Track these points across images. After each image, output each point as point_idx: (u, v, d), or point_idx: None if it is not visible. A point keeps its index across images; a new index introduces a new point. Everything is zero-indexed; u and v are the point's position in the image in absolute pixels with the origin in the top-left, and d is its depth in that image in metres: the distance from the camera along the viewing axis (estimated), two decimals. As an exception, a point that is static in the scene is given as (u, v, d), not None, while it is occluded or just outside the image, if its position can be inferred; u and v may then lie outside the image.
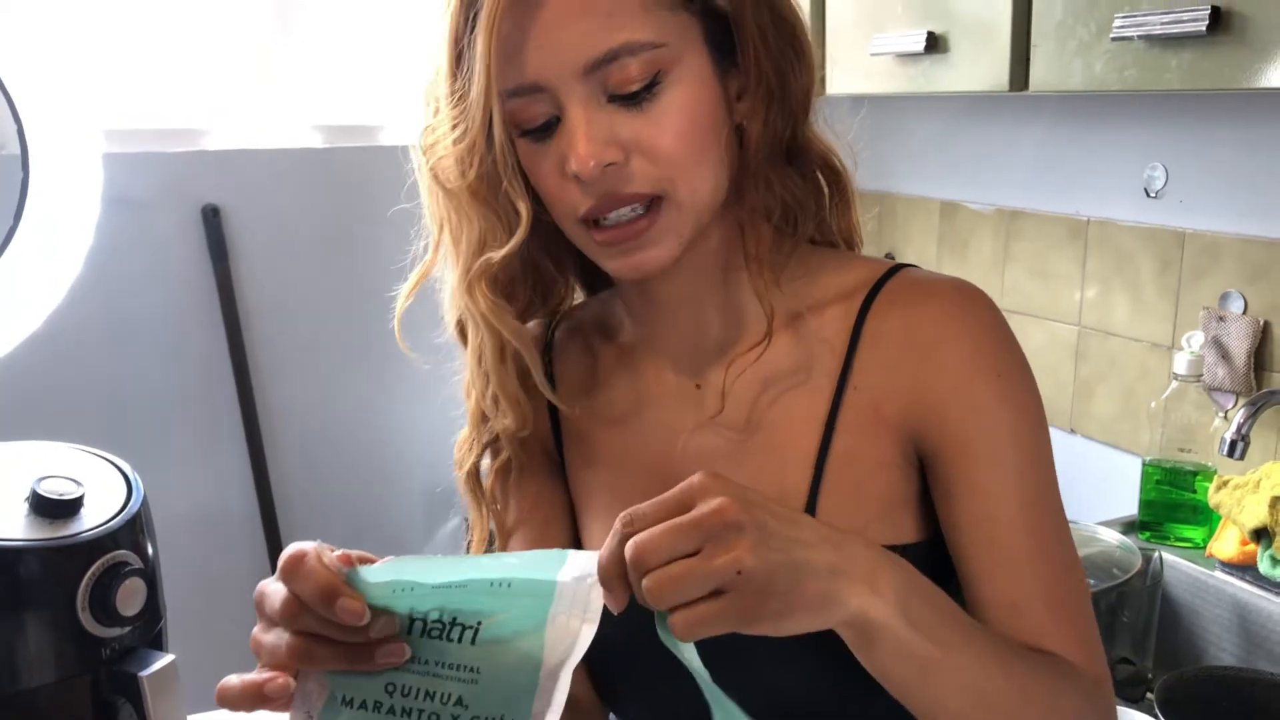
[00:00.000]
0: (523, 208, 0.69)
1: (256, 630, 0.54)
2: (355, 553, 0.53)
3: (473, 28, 0.65)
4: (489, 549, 0.83)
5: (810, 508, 0.71)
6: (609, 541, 0.52)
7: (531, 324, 0.84)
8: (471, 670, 0.51)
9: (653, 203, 0.67)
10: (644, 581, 0.51)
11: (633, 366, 0.81)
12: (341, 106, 2.07)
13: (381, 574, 0.51)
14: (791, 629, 0.54)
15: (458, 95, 0.67)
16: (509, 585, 0.51)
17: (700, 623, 0.51)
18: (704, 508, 0.52)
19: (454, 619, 0.51)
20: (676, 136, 0.66)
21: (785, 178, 0.73)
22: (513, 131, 0.68)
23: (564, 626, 0.51)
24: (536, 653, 0.51)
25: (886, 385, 0.72)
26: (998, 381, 0.70)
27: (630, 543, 0.51)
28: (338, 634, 0.52)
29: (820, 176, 0.76)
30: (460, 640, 0.51)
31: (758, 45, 0.69)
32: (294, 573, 0.51)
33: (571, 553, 0.53)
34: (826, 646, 0.69)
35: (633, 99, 0.65)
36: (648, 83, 0.65)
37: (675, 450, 0.77)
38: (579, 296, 0.87)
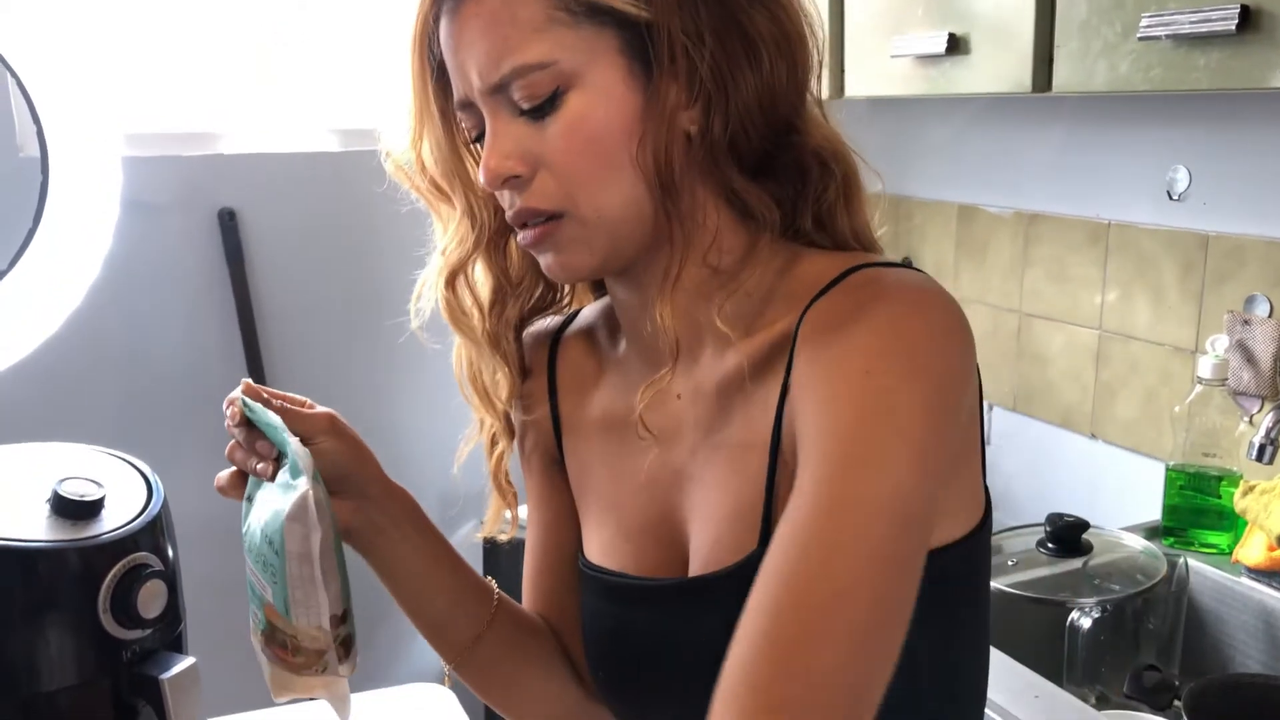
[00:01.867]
0: (459, 206, 0.75)
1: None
2: (264, 390, 0.77)
3: None
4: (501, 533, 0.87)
5: (766, 521, 0.67)
6: None
7: (548, 321, 0.85)
8: (268, 502, 0.73)
9: (552, 217, 0.69)
10: None
11: (627, 370, 0.80)
12: (358, 109, 2.07)
13: (255, 412, 0.75)
14: None
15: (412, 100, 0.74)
16: (295, 470, 0.72)
17: None
18: None
19: (291, 460, 0.73)
20: (576, 151, 0.67)
21: (735, 182, 0.69)
22: (468, 140, 0.74)
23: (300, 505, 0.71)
24: (285, 507, 0.71)
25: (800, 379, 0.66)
26: (860, 379, 0.60)
27: None
28: (241, 439, 0.76)
29: (818, 173, 0.72)
30: (275, 480, 0.74)
31: (689, 50, 0.66)
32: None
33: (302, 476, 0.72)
34: None
35: (536, 113, 0.67)
36: (548, 97, 0.66)
37: (656, 460, 0.76)
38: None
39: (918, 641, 0.58)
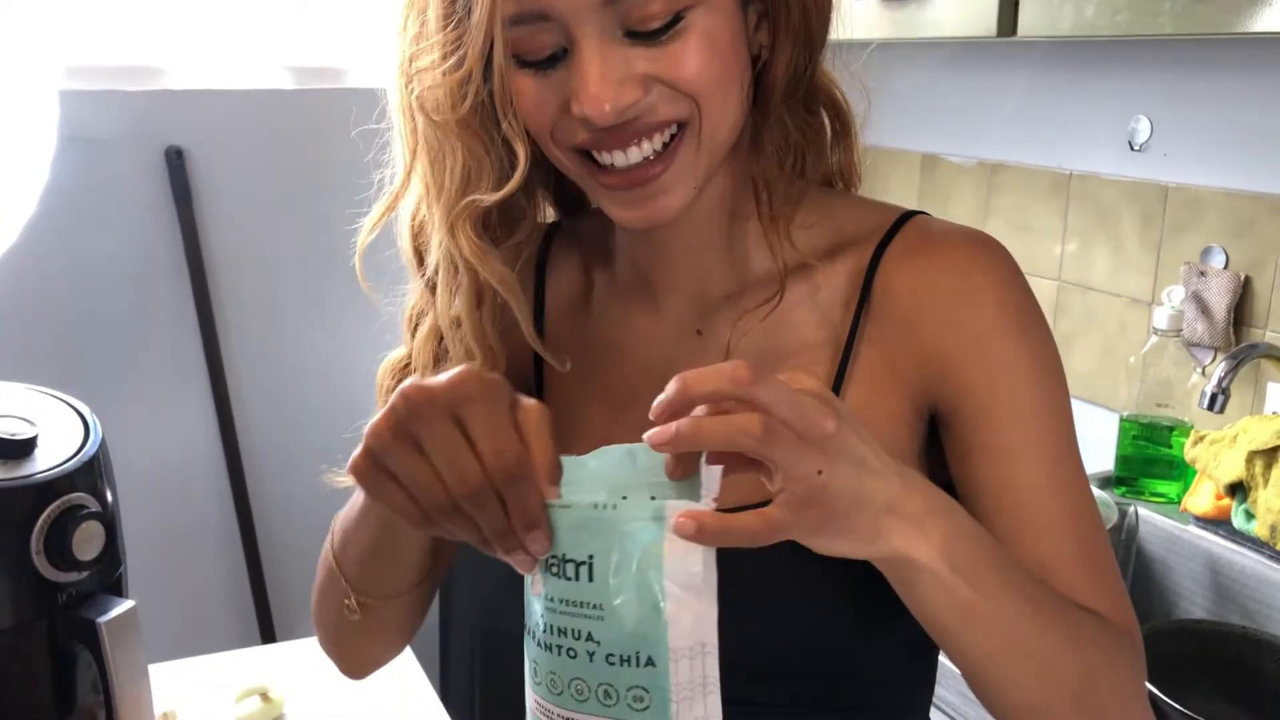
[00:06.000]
0: (520, 149, 0.64)
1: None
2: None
3: None
4: None
5: None
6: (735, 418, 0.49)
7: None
8: (596, 607, 0.49)
9: (670, 140, 0.63)
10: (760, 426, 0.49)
11: (627, 300, 0.76)
12: (311, 47, 2.01)
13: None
14: (836, 553, 0.53)
15: (455, 19, 0.62)
16: (614, 507, 0.49)
17: (779, 525, 0.50)
18: (813, 405, 0.50)
19: (564, 555, 0.49)
20: (700, 68, 0.61)
21: (799, 118, 0.69)
22: (512, 62, 0.62)
23: (683, 552, 0.49)
24: (656, 586, 0.48)
25: (901, 340, 0.69)
26: (1020, 339, 0.68)
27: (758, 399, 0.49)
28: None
29: (824, 113, 0.72)
30: (578, 578, 0.49)
31: None
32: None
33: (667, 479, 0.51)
34: (809, 603, 0.68)
35: (653, 36, 0.60)
36: (670, 19, 0.61)
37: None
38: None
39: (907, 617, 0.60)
